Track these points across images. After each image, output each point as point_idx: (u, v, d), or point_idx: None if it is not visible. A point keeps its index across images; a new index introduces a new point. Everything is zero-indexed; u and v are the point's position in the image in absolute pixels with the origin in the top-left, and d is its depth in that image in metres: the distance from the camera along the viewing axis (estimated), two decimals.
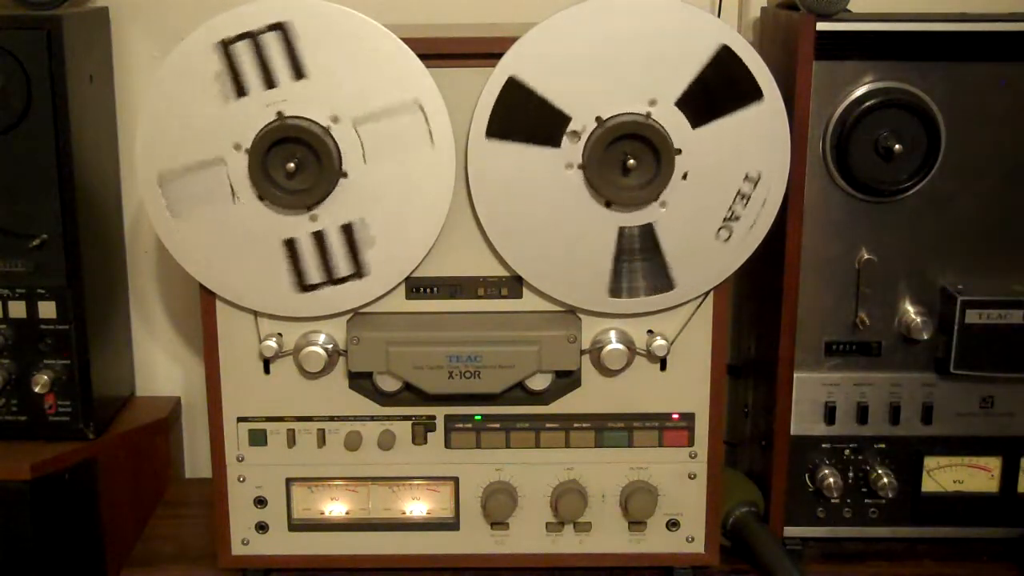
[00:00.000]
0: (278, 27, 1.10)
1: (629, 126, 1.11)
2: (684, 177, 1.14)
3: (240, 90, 1.11)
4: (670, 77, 1.11)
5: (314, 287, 1.17)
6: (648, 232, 1.16)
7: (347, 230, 1.15)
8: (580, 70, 1.11)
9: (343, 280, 1.17)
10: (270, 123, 1.11)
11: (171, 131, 1.13)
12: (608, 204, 1.15)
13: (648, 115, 1.12)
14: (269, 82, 1.11)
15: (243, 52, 1.10)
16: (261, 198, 1.14)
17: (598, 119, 1.12)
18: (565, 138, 1.13)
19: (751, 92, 1.12)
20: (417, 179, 1.14)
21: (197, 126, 1.12)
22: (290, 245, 1.16)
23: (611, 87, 1.11)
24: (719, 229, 1.16)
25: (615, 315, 1.21)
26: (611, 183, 1.13)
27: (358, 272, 1.17)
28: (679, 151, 1.12)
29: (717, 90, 1.12)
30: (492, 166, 1.14)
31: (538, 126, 1.13)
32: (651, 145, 1.12)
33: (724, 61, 1.11)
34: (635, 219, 1.15)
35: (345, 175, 1.13)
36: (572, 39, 1.11)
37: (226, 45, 1.10)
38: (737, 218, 1.16)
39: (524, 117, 1.12)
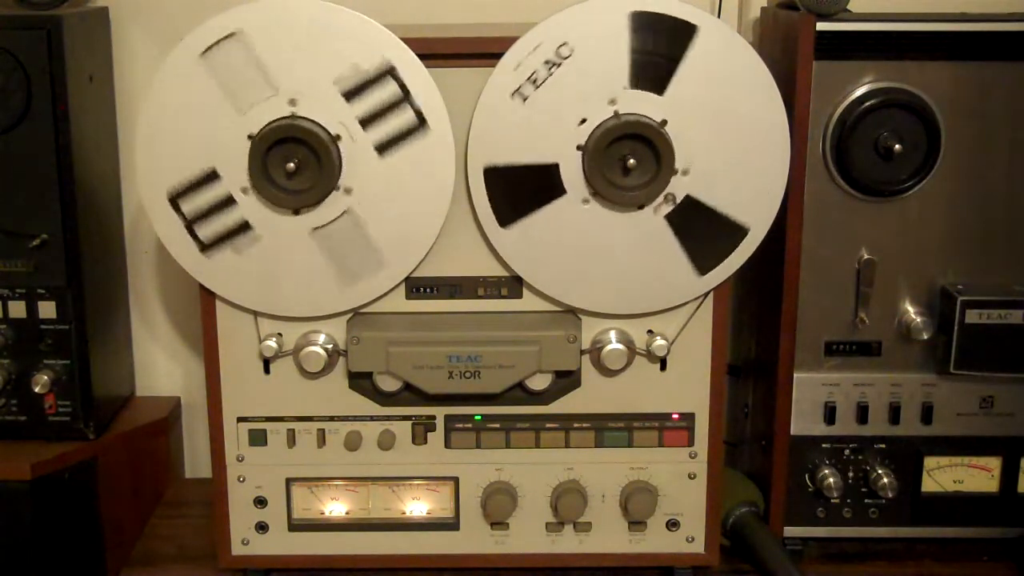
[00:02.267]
0: (232, 34, 1.10)
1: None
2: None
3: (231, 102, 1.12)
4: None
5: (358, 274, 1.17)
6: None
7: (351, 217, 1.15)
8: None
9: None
10: (265, 125, 1.11)
11: (171, 145, 1.13)
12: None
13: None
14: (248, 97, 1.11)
15: (225, 59, 1.11)
16: (270, 203, 1.14)
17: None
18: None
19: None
20: (417, 176, 1.14)
21: (198, 147, 1.13)
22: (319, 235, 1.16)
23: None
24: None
25: (615, 315, 1.21)
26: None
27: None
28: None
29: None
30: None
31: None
32: (655, 152, 1.12)
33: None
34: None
35: (339, 189, 1.13)
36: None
37: (206, 56, 1.10)
38: None
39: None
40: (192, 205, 1.14)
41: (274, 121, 1.11)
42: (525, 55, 1.11)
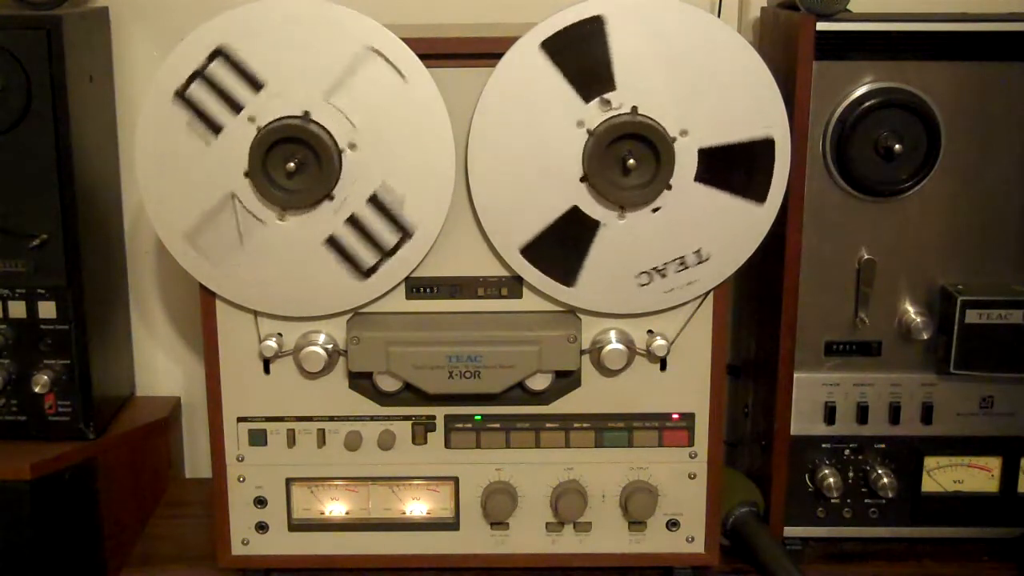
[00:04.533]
0: (217, 54, 1.10)
1: (651, 130, 1.11)
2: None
3: (215, 127, 1.11)
4: (712, 126, 1.12)
5: (374, 269, 1.17)
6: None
7: (374, 201, 1.14)
8: (657, 64, 1.10)
9: (396, 249, 1.16)
10: (255, 136, 1.11)
11: (175, 191, 1.14)
12: (583, 179, 1.14)
13: (674, 140, 1.12)
14: (236, 107, 1.11)
15: (200, 92, 1.11)
16: (283, 211, 1.14)
17: (633, 108, 1.11)
18: (596, 100, 1.12)
19: (759, 193, 1.13)
20: (415, 130, 1.13)
21: (194, 177, 1.13)
22: (332, 243, 1.15)
23: (663, 92, 1.11)
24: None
25: (615, 315, 1.21)
26: (606, 176, 1.13)
27: (406, 233, 1.16)
28: (669, 187, 1.13)
29: (736, 168, 1.13)
30: (516, 77, 1.13)
31: (586, 71, 1.11)
32: (657, 158, 1.12)
33: (761, 151, 1.12)
34: (593, 211, 1.15)
35: (353, 147, 1.12)
36: (663, 27, 1.10)
37: (182, 93, 1.11)
38: None
39: (581, 54, 1.11)
40: (218, 241, 1.15)
41: (279, 120, 1.11)
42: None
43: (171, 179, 1.14)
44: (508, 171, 1.14)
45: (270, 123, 1.11)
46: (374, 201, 1.14)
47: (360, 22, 1.10)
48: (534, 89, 1.11)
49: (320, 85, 1.11)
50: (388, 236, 1.16)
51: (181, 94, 1.11)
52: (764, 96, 1.12)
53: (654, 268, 1.17)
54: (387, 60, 1.11)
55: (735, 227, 1.16)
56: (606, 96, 1.11)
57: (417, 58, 1.11)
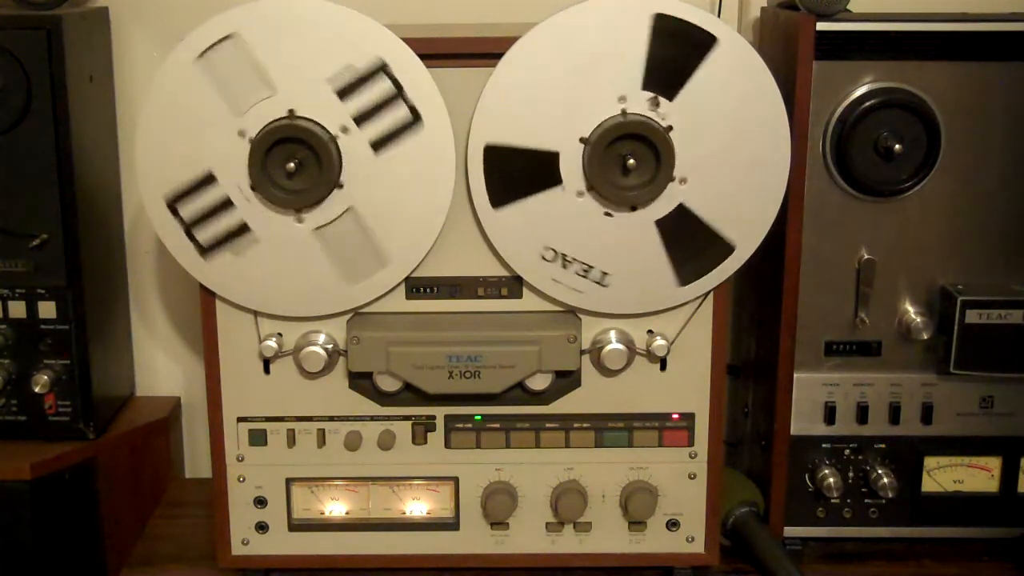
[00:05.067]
0: (228, 36, 1.10)
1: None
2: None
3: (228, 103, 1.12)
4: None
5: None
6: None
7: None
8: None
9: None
10: (276, 120, 1.11)
11: (176, 147, 1.13)
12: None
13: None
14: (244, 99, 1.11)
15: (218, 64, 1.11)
16: (272, 203, 1.14)
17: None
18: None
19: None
20: (416, 176, 1.14)
21: (197, 149, 1.13)
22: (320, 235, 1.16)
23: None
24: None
25: (615, 315, 1.21)
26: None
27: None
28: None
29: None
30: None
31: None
32: (656, 153, 1.12)
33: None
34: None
35: (340, 186, 1.13)
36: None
37: (201, 59, 1.10)
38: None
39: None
40: (191, 209, 1.14)
41: (274, 121, 1.11)
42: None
43: (175, 135, 1.13)
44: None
45: (263, 128, 1.11)
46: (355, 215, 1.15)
47: (378, 32, 1.11)
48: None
49: (322, 80, 1.11)
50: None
51: (201, 59, 1.10)
52: (761, 213, 1.15)
53: (564, 254, 1.16)
54: (395, 80, 1.11)
55: (648, 281, 1.17)
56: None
57: (438, 94, 1.12)
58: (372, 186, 1.14)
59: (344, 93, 1.11)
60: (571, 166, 1.13)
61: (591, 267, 1.16)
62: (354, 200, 1.14)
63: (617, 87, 1.11)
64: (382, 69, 1.11)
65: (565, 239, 1.16)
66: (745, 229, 1.16)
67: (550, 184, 1.14)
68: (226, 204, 1.14)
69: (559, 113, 1.12)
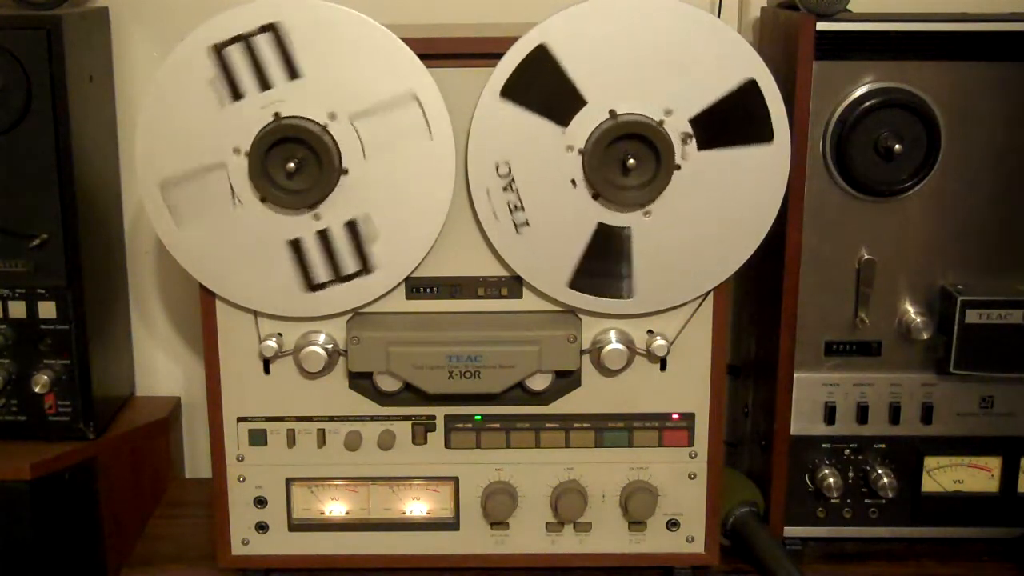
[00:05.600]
0: (270, 28, 1.10)
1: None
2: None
3: (236, 93, 1.11)
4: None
5: (322, 286, 1.17)
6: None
7: (351, 226, 1.15)
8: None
9: (350, 277, 1.17)
10: (267, 124, 1.11)
11: (169, 137, 1.13)
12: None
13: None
14: (264, 83, 1.11)
15: (236, 55, 1.10)
16: (263, 200, 1.14)
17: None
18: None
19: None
20: (417, 176, 1.14)
21: (195, 131, 1.12)
22: (295, 245, 1.16)
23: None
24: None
25: (615, 315, 1.21)
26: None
27: (365, 268, 1.17)
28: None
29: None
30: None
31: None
32: (655, 151, 1.12)
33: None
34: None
35: (346, 172, 1.13)
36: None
37: (219, 49, 1.10)
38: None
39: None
40: (189, 199, 1.14)
41: (273, 122, 1.11)
42: (489, 205, 1.14)
43: (170, 124, 1.12)
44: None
45: (290, 116, 1.11)
46: (351, 227, 1.15)
47: (415, 67, 1.11)
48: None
49: (351, 102, 1.11)
50: (349, 263, 1.16)
51: (219, 50, 1.10)
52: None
53: (513, 180, 1.14)
54: (424, 113, 1.12)
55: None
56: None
57: (448, 119, 1.12)
58: (372, 186, 1.14)
59: (364, 114, 1.12)
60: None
61: (522, 208, 1.15)
62: (354, 200, 1.14)
63: (669, 101, 1.12)
64: (412, 98, 1.11)
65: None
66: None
67: (558, 119, 1.13)
68: (226, 201, 1.14)
69: (612, 76, 1.11)
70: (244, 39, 1.10)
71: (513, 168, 1.13)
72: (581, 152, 1.13)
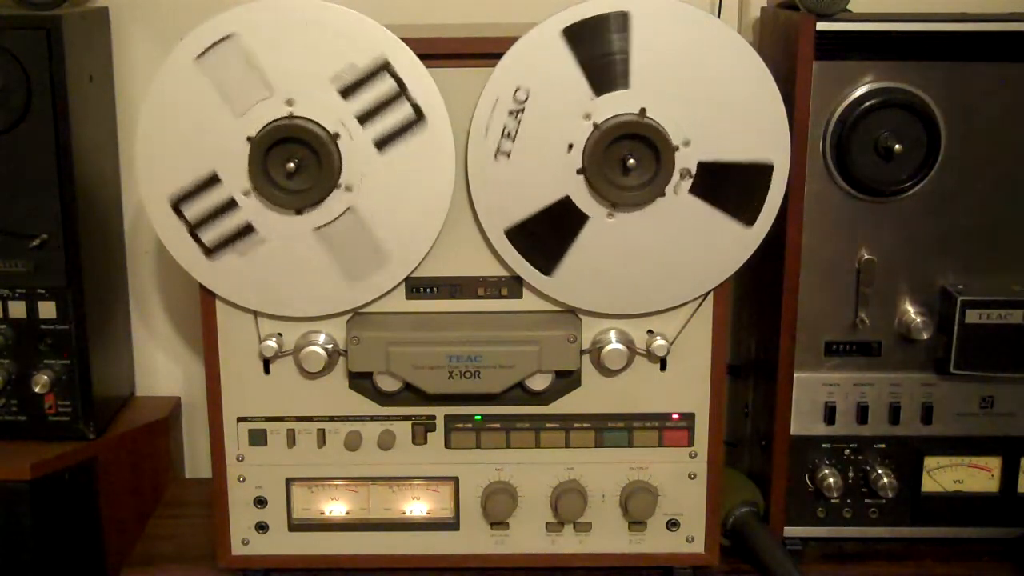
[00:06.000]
0: (228, 38, 1.10)
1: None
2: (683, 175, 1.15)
3: (228, 101, 1.11)
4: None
5: (321, 286, 1.17)
6: (579, 220, 1.15)
7: (352, 227, 1.15)
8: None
9: (350, 278, 1.17)
10: (267, 124, 1.11)
11: (169, 148, 1.13)
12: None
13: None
14: (263, 87, 1.11)
15: (223, 64, 1.10)
16: (263, 201, 1.14)
17: (642, 110, 1.12)
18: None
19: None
20: (417, 176, 1.14)
21: (193, 140, 1.13)
22: (296, 247, 1.16)
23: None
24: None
25: (615, 315, 1.21)
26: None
27: (366, 269, 1.17)
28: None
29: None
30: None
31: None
32: (655, 171, 1.12)
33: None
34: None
35: (341, 186, 1.13)
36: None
37: (204, 59, 1.10)
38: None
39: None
40: (194, 210, 1.14)
41: (273, 122, 1.11)
42: (488, 117, 1.12)
43: (168, 135, 1.13)
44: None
45: (288, 117, 1.11)
46: (352, 227, 1.15)
47: (415, 67, 1.11)
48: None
49: (351, 103, 1.11)
50: (350, 264, 1.17)
51: (204, 59, 1.10)
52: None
53: (522, 106, 1.13)
54: (423, 112, 1.12)
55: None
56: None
57: (448, 122, 1.12)
58: (373, 186, 1.14)
59: (347, 92, 1.11)
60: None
61: (513, 138, 1.13)
62: (355, 199, 1.14)
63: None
64: (384, 68, 1.11)
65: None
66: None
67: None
68: (230, 205, 1.14)
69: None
70: (231, 45, 1.10)
71: (530, 99, 1.12)
72: (596, 127, 1.12)
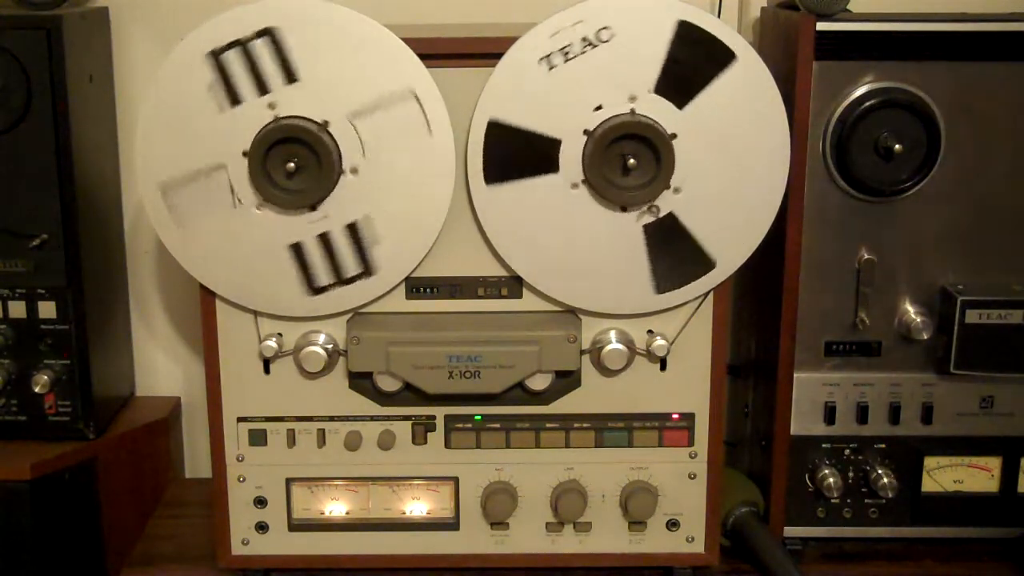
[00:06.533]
0: (266, 33, 1.10)
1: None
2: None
3: (234, 98, 1.11)
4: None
5: (324, 289, 1.17)
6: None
7: (352, 229, 1.15)
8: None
9: (352, 280, 1.17)
10: (266, 125, 1.11)
11: (169, 141, 1.13)
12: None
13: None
14: (263, 88, 1.11)
15: (234, 60, 1.10)
16: (264, 201, 1.14)
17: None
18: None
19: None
20: (417, 176, 1.14)
21: (194, 135, 1.12)
22: (296, 249, 1.16)
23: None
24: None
25: (615, 315, 1.21)
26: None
27: (366, 271, 1.17)
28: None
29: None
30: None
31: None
32: (646, 140, 1.12)
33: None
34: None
35: (344, 172, 1.13)
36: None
37: (216, 55, 1.10)
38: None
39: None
40: (189, 201, 1.14)
41: (297, 117, 1.11)
42: (565, 25, 1.11)
43: (169, 128, 1.12)
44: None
45: (288, 117, 1.11)
46: (352, 229, 1.15)
47: (412, 62, 1.11)
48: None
49: (350, 102, 1.11)
50: (350, 266, 1.16)
51: (216, 55, 1.10)
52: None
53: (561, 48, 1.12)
54: (423, 112, 1.12)
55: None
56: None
57: (447, 115, 1.12)
58: (372, 186, 1.14)
59: (362, 111, 1.12)
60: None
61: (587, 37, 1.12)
62: (354, 200, 1.14)
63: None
64: (412, 96, 1.11)
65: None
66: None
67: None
68: (227, 202, 1.14)
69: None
70: (242, 44, 1.10)
71: None
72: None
